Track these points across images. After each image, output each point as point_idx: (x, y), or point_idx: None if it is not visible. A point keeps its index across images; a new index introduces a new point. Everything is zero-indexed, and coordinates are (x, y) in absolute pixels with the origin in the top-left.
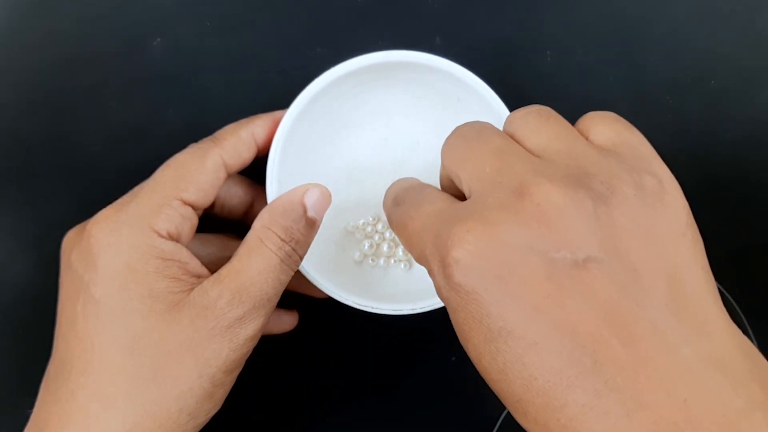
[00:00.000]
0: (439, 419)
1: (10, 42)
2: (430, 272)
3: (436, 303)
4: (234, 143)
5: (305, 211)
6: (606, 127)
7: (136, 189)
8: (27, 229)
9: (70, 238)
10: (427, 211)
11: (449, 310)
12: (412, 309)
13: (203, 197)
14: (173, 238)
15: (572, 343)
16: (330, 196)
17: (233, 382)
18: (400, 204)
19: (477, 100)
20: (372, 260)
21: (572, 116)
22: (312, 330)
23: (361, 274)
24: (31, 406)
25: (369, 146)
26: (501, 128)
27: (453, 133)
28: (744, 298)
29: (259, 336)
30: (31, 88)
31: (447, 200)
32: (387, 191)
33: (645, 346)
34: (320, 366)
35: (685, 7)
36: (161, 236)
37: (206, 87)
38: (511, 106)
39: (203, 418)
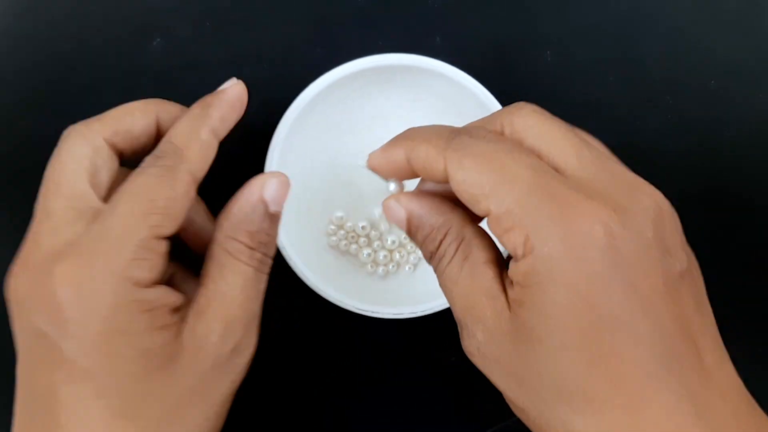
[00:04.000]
0: (440, 420)
1: (9, 42)
2: (523, 253)
3: (436, 306)
4: (198, 152)
5: (267, 207)
6: None
7: (97, 227)
8: (27, 229)
9: (20, 293)
10: (522, 174)
11: (543, 301)
12: (413, 312)
13: (177, 226)
14: (155, 282)
15: (668, 343)
16: (288, 180)
17: (233, 398)
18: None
19: (474, 102)
20: (371, 265)
21: (572, 116)
22: (312, 333)
23: (361, 278)
24: None
25: (366, 150)
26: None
27: (451, 137)
28: (744, 297)
29: (254, 353)
30: (31, 87)
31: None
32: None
33: (709, 359)
34: (321, 369)
35: (685, 7)
36: (144, 287)
37: (206, 87)
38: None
39: None
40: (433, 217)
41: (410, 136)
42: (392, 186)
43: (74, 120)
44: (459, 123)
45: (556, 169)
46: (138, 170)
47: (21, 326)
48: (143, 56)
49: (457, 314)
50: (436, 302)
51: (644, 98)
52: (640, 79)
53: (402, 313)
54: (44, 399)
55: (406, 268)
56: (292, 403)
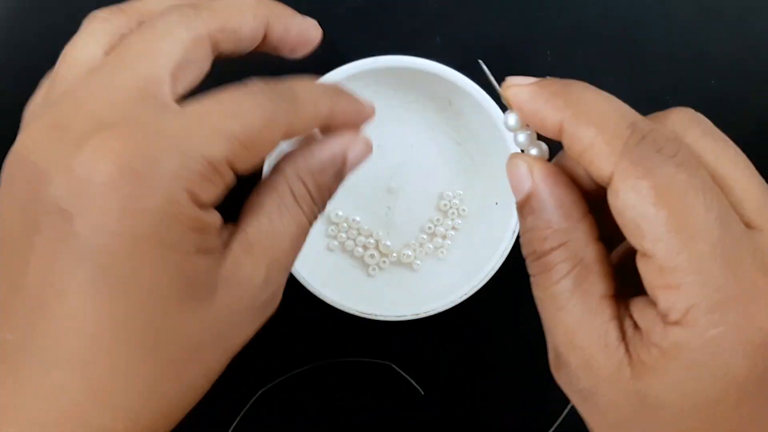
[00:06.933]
0: (442, 420)
1: (10, 42)
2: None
3: (437, 307)
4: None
5: (343, 166)
6: None
7: (176, 119)
8: None
9: (43, 158)
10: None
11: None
12: (416, 314)
13: (252, 167)
14: (209, 207)
15: None
16: (371, 146)
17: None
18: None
19: (469, 101)
20: (372, 269)
21: None
22: (314, 337)
23: (362, 281)
24: None
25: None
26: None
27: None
28: None
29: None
30: (31, 88)
31: None
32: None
33: None
34: (322, 372)
35: (684, 7)
36: (200, 208)
37: (205, 87)
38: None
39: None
40: (557, 216)
41: (576, 104)
42: (511, 119)
43: None
44: (457, 122)
45: (736, 209)
46: (245, 89)
47: (41, 214)
48: None
49: (556, 344)
50: (438, 304)
51: (644, 98)
52: (640, 79)
53: (405, 315)
54: (40, 293)
55: (409, 269)
56: (293, 405)
